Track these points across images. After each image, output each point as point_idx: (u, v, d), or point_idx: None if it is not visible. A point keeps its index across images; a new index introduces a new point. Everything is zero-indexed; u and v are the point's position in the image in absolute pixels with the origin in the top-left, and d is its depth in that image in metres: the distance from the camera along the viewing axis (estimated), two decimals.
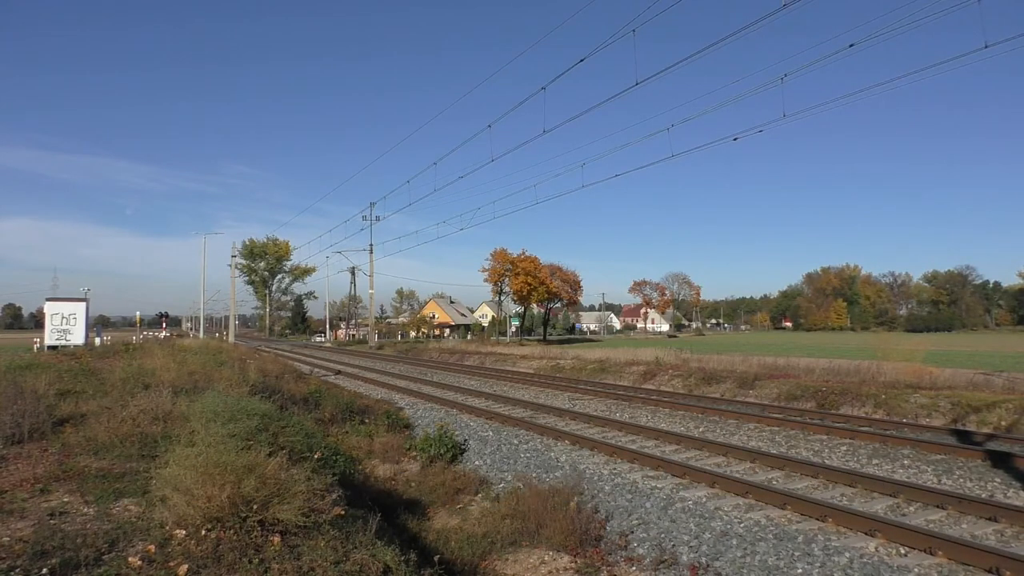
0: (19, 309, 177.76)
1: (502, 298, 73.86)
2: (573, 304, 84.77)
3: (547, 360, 31.27)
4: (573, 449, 11.07)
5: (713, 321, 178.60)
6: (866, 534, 6.44)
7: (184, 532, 4.01)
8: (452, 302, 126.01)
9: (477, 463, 10.99)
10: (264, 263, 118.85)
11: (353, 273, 70.65)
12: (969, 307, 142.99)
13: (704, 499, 7.83)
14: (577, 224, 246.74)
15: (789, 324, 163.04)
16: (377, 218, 54.73)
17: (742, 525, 6.89)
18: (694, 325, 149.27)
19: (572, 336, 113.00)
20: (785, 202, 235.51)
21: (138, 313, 59.91)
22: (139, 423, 7.84)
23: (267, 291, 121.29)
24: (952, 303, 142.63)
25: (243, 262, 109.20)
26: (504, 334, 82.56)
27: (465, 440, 12.26)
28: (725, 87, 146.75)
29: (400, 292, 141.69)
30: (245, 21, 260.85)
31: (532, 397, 18.57)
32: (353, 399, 16.25)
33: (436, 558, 5.55)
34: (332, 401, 15.46)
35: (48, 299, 29.16)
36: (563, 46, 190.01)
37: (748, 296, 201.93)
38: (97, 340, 32.33)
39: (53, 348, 25.25)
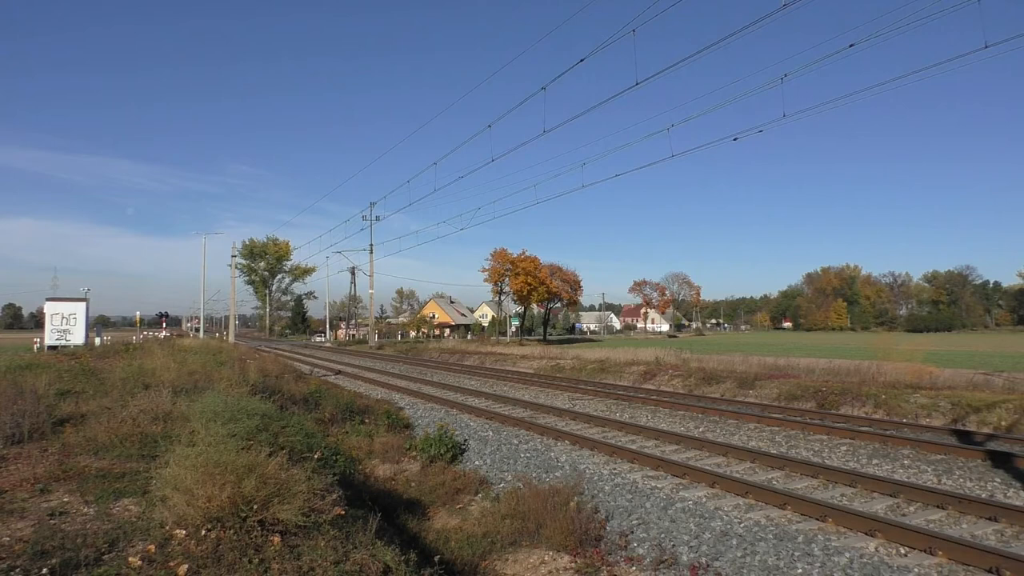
0: (19, 309, 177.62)
1: (502, 298, 73.85)
2: (573, 304, 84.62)
3: (547, 360, 31.26)
4: (573, 449, 11.07)
5: (713, 321, 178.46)
6: (866, 534, 6.44)
7: (184, 532, 4.00)
8: (452, 302, 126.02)
9: (477, 463, 10.98)
10: (264, 263, 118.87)
11: (353, 273, 70.70)
12: (969, 307, 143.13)
13: (704, 499, 7.83)
14: (577, 224, 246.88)
15: (789, 324, 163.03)
16: (377, 218, 54.88)
17: (742, 525, 6.89)
18: (694, 325, 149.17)
19: (572, 336, 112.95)
20: (785, 202, 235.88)
21: (138, 313, 59.92)
22: (139, 423, 7.83)
23: (267, 291, 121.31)
24: (952, 303, 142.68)
25: (243, 262, 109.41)
26: (504, 334, 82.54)
27: (465, 440, 12.26)
28: (725, 87, 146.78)
29: (400, 292, 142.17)
30: (246, 20, 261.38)
31: (532, 397, 18.57)
32: (353, 399, 16.24)
33: (436, 558, 5.55)
34: (332, 401, 15.45)
35: (48, 299, 29.19)
36: (563, 46, 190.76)
37: (748, 296, 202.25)
38: (97, 340, 32.35)
39: (53, 348, 25.29)
